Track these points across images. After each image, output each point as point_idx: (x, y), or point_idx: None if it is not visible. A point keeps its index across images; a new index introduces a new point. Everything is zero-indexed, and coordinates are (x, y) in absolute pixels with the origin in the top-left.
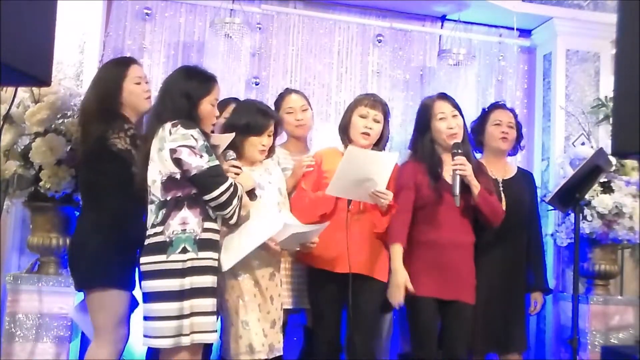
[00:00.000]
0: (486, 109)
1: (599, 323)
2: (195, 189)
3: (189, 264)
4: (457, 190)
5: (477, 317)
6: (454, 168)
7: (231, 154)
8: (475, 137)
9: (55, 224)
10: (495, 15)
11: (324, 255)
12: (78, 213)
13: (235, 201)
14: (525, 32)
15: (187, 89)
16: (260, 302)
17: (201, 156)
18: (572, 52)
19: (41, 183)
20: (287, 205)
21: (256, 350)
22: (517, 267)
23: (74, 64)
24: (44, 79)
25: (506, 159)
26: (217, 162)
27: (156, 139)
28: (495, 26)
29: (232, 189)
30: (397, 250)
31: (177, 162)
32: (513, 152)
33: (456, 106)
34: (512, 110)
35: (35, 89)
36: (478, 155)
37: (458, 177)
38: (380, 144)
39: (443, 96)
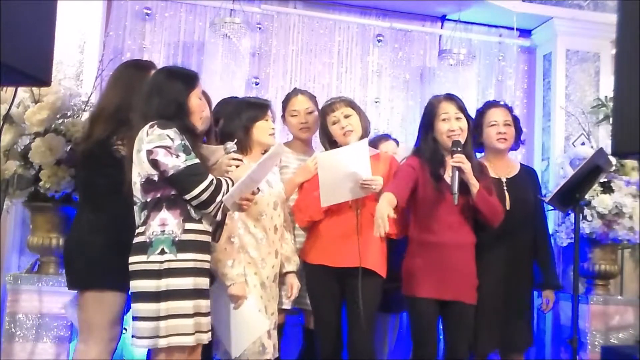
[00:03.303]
0: (480, 109)
1: (599, 323)
2: (174, 189)
3: (165, 266)
4: (456, 188)
5: (479, 316)
6: (453, 164)
7: (231, 145)
8: (474, 139)
9: (55, 224)
10: (495, 15)
11: (328, 250)
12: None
13: (218, 198)
14: (525, 32)
15: (174, 89)
16: (267, 304)
17: (177, 156)
18: (572, 52)
19: (41, 183)
20: (284, 205)
21: (267, 350)
22: (522, 266)
23: (74, 64)
24: (44, 79)
25: (508, 157)
26: (196, 161)
27: (137, 140)
28: (495, 26)
29: (213, 186)
30: (387, 195)
31: (154, 163)
32: (515, 146)
33: (462, 108)
34: (507, 107)
35: (35, 89)
36: (479, 155)
37: (457, 175)
38: (364, 133)
39: (449, 97)
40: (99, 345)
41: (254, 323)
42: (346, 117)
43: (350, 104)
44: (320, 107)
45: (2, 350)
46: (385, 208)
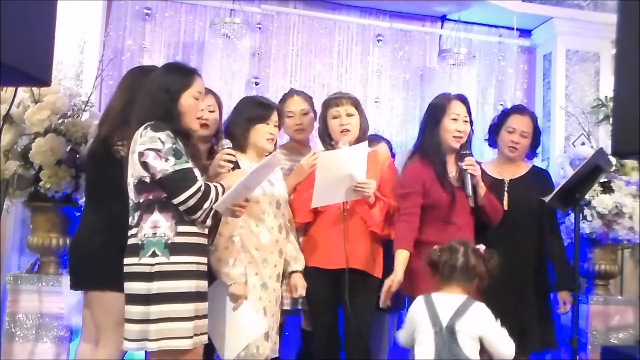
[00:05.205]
0: (506, 110)
1: (599, 323)
2: (163, 192)
3: (156, 268)
4: (470, 190)
5: None
6: (465, 168)
7: (226, 142)
8: (490, 136)
9: (55, 224)
10: (495, 15)
11: (319, 251)
12: (79, 213)
13: (206, 204)
14: (525, 32)
15: (166, 83)
16: (266, 305)
17: (167, 160)
18: (572, 52)
19: (41, 183)
20: (288, 205)
21: (261, 352)
22: (523, 267)
23: (74, 64)
24: (44, 79)
25: (520, 160)
26: (185, 166)
27: (132, 141)
28: (495, 26)
29: (200, 193)
30: (401, 254)
31: (144, 165)
32: (530, 155)
33: (470, 112)
34: (532, 115)
35: (35, 89)
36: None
37: (469, 178)
38: (362, 135)
39: (461, 98)
40: (109, 346)
41: (250, 326)
42: (348, 115)
43: (355, 103)
44: (321, 103)
45: (2, 350)
46: (399, 279)
